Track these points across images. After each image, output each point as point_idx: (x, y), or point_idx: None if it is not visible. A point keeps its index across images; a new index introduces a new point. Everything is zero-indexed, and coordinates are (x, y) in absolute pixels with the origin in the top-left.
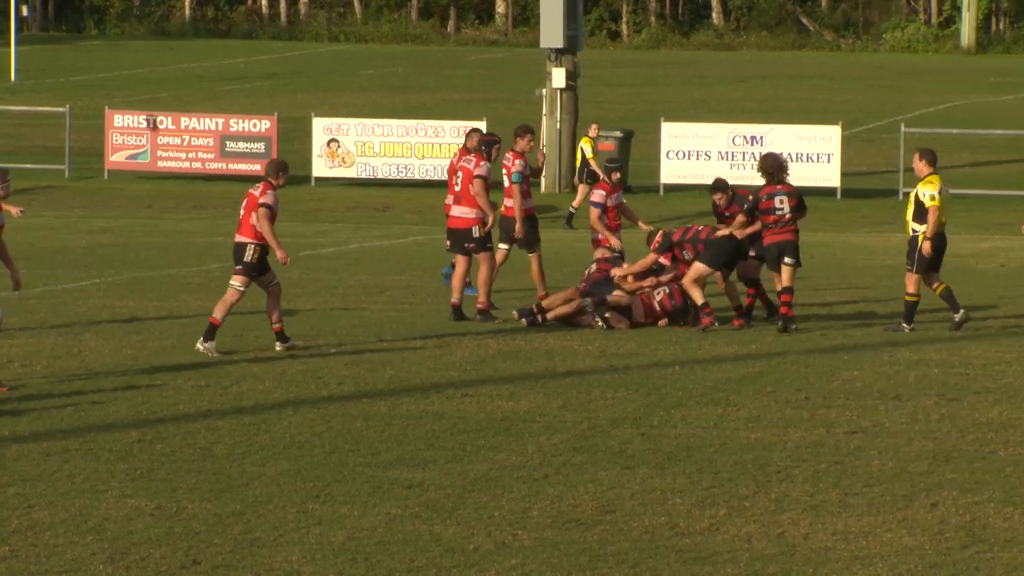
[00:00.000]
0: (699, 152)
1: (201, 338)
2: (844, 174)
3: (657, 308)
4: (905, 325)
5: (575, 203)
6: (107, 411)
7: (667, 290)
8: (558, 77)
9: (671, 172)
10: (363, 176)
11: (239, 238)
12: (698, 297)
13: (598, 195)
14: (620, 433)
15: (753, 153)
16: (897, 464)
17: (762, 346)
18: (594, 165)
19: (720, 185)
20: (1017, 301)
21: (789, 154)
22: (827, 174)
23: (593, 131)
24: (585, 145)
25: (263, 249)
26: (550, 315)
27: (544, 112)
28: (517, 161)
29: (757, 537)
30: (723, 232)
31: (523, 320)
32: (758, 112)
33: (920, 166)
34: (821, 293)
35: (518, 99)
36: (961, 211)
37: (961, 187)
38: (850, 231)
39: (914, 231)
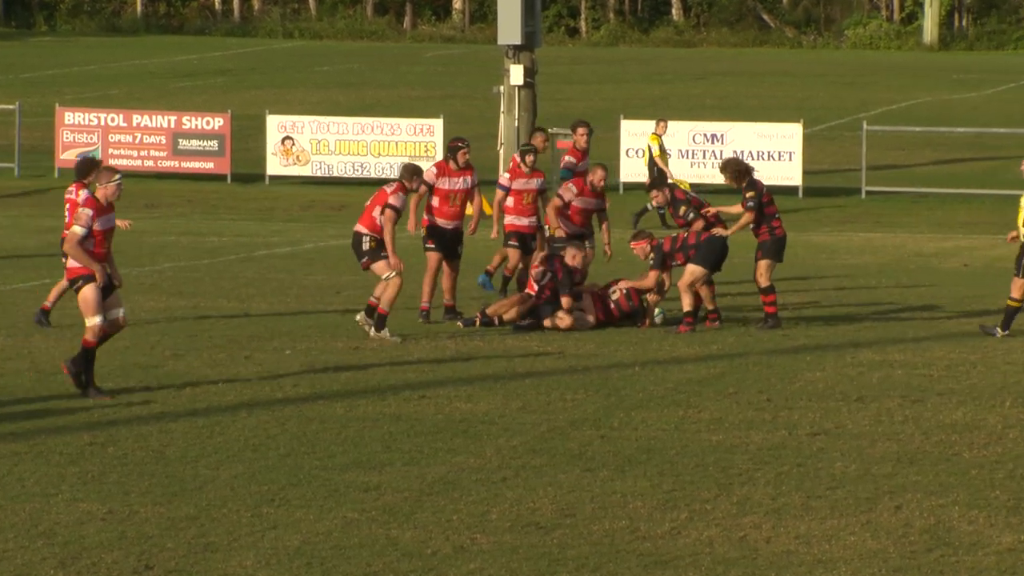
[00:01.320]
0: None
1: (372, 328)
2: (806, 172)
3: (613, 308)
4: (1000, 330)
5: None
6: (57, 414)
7: (624, 291)
8: (516, 74)
9: (631, 170)
10: (318, 174)
11: (358, 227)
12: (687, 303)
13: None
14: (580, 435)
15: (714, 151)
16: (860, 466)
17: (724, 347)
18: (661, 164)
19: (656, 183)
20: (981, 301)
21: (750, 152)
22: (788, 172)
23: (661, 128)
24: (652, 143)
25: (379, 243)
26: (507, 316)
27: (502, 109)
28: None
29: (719, 541)
30: (719, 231)
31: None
32: (718, 109)
33: None
34: (783, 294)
35: (475, 96)
36: (924, 210)
37: (924, 186)
38: (812, 230)
39: None
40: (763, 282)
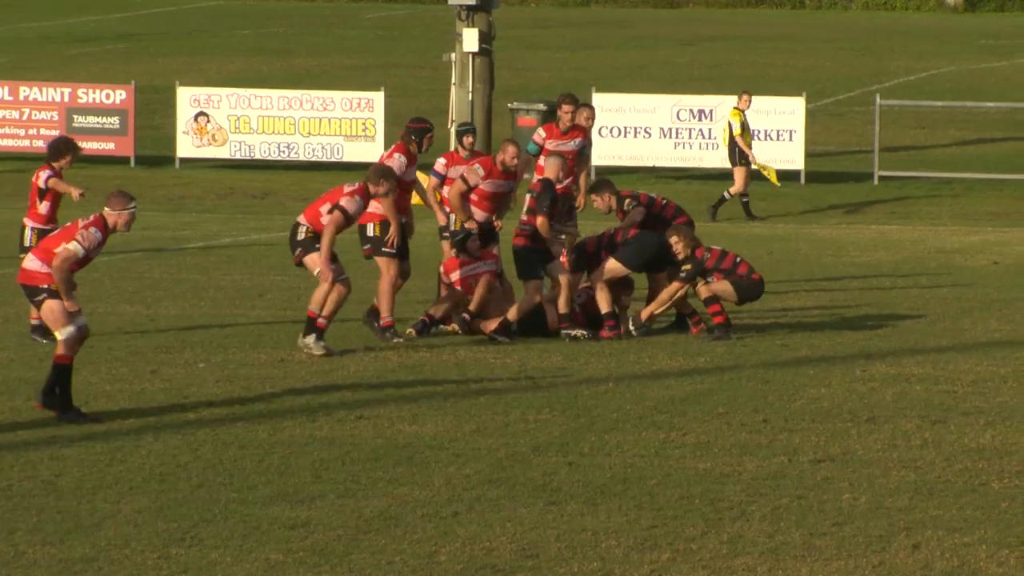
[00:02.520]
0: (638, 128)
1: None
2: (809, 154)
3: (577, 310)
4: None
5: (732, 189)
6: None
7: (591, 292)
8: (470, 39)
9: (604, 152)
10: (237, 157)
11: (299, 218)
12: (604, 301)
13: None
14: (544, 462)
15: (702, 129)
16: (872, 499)
17: (712, 359)
18: (742, 144)
19: (600, 185)
20: (1013, 305)
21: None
22: (789, 154)
23: (744, 102)
24: (733, 120)
25: (316, 234)
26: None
27: (453, 81)
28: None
29: None
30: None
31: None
32: (707, 81)
33: None
34: (782, 297)
35: (423, 65)
36: (947, 198)
37: (946, 170)
38: (816, 222)
39: None
40: (704, 292)
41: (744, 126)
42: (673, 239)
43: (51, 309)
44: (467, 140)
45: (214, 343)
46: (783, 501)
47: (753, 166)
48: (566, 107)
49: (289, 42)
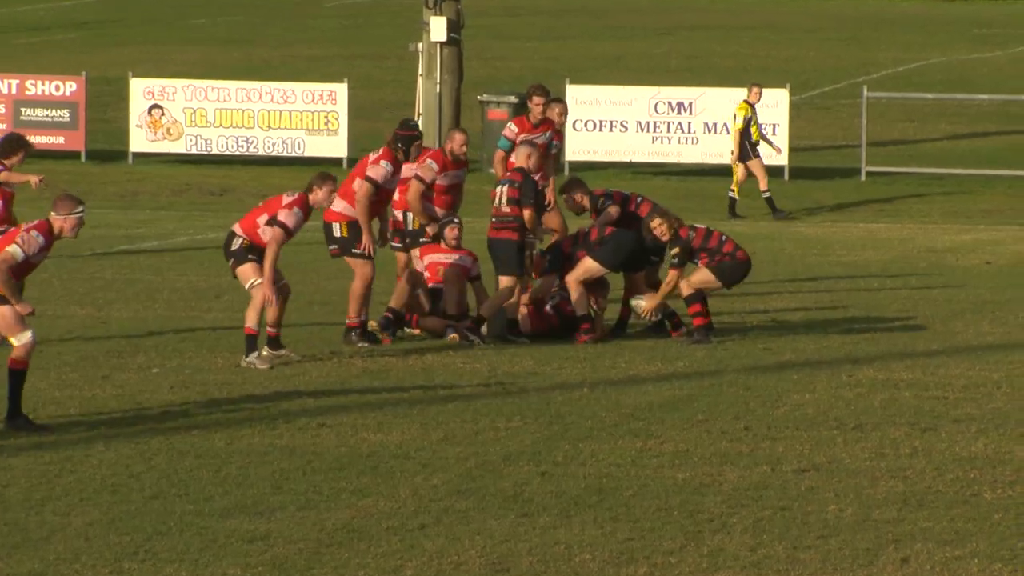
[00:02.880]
0: (614, 122)
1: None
2: (793, 149)
3: (550, 312)
4: None
5: (762, 186)
6: None
7: (564, 294)
8: (437, 28)
9: (579, 146)
10: (193, 151)
11: (235, 227)
12: (581, 305)
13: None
14: (515, 472)
15: (680, 123)
16: (859, 510)
17: (691, 364)
18: (735, 139)
19: (571, 184)
20: (1006, 306)
21: (725, 124)
22: (771, 148)
23: (755, 96)
24: (739, 113)
25: (252, 245)
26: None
27: (420, 72)
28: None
29: None
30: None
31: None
32: (687, 72)
33: None
34: (765, 298)
35: (388, 55)
36: (937, 195)
37: (937, 165)
38: (801, 220)
39: None
40: (685, 289)
41: (751, 121)
42: (655, 222)
43: (2, 315)
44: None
45: (169, 347)
46: (766, 513)
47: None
48: (536, 99)
49: (247, 31)
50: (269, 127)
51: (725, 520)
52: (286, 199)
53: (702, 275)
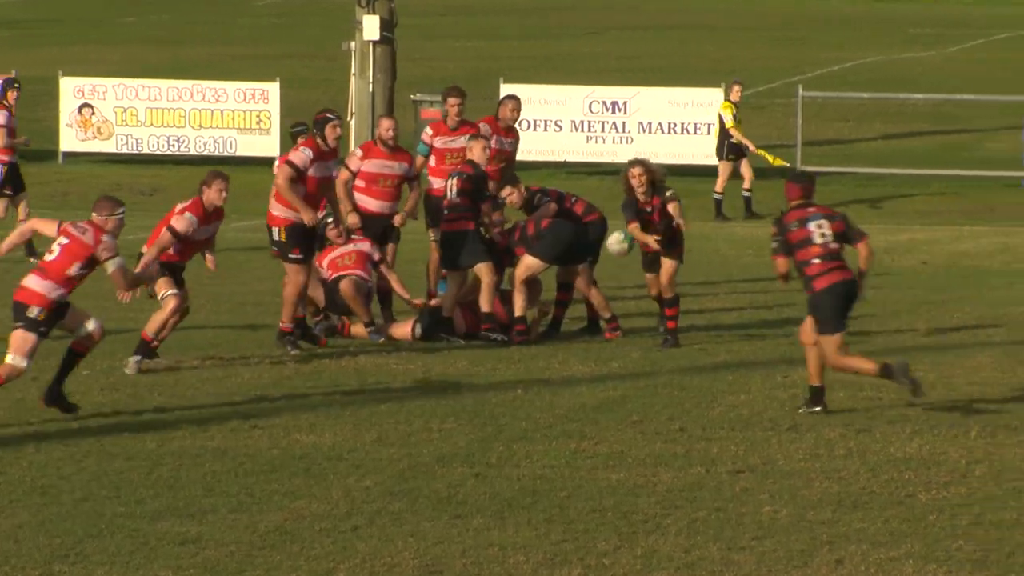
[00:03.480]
0: (548, 121)
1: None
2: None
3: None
4: None
5: (718, 187)
6: None
7: (499, 293)
8: (370, 27)
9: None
10: (124, 151)
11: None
12: (519, 305)
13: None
14: (449, 474)
15: (615, 123)
16: (793, 511)
17: (626, 365)
18: (739, 136)
19: (511, 180)
20: (943, 307)
21: (660, 124)
22: (706, 148)
23: (735, 94)
24: (725, 112)
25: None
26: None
27: (353, 71)
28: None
29: None
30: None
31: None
32: (621, 72)
33: None
34: (699, 299)
35: (320, 55)
36: (872, 195)
37: (872, 165)
38: (735, 221)
39: None
40: (669, 292)
41: (737, 119)
42: (506, 190)
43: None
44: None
45: (99, 349)
46: (700, 514)
47: (752, 151)
48: (452, 100)
49: (177, 31)
50: (200, 126)
51: (659, 521)
52: (180, 207)
53: (528, 260)
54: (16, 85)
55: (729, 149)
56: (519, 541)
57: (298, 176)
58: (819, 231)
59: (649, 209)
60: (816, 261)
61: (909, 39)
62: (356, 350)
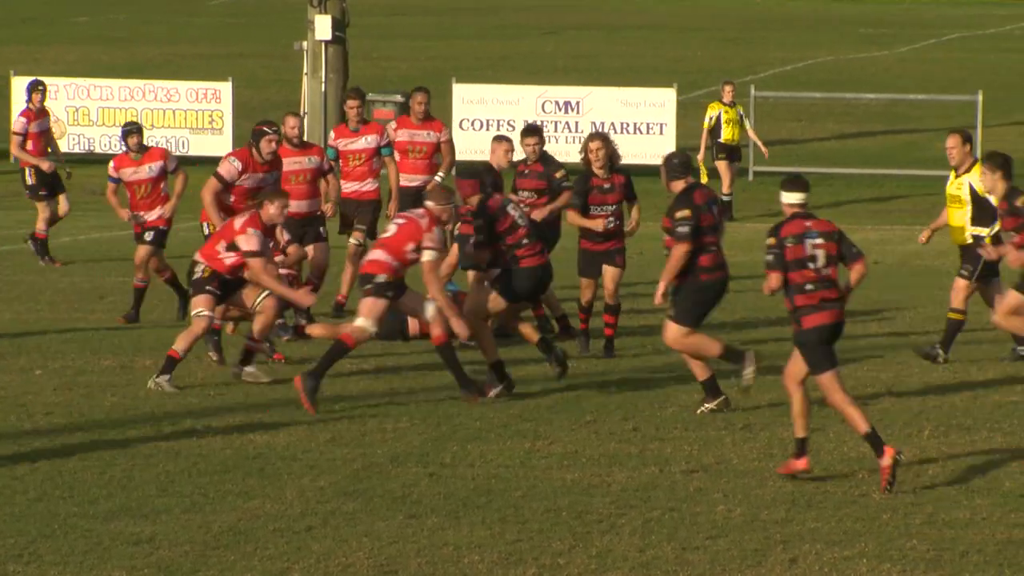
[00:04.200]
0: (501, 121)
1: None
2: (680, 149)
3: None
4: (942, 352)
5: (724, 188)
6: None
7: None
8: (322, 27)
9: (466, 146)
10: (76, 150)
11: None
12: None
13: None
14: (403, 474)
15: (568, 122)
16: (747, 510)
17: (580, 364)
18: (730, 137)
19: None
20: (895, 306)
21: (612, 124)
22: (659, 147)
23: (727, 95)
24: (711, 112)
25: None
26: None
27: (305, 71)
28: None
29: None
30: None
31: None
32: (574, 71)
33: None
34: (652, 299)
35: (273, 54)
36: (824, 195)
37: (824, 165)
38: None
39: None
40: (612, 299)
41: (722, 118)
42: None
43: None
44: (131, 140)
45: (52, 348)
46: (654, 513)
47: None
48: (351, 103)
49: (130, 30)
50: (153, 126)
51: (614, 521)
52: (238, 222)
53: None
54: (40, 87)
55: (719, 149)
56: (474, 541)
57: (224, 188)
58: (814, 252)
59: (607, 186)
60: (809, 287)
61: (861, 39)
62: (311, 350)
